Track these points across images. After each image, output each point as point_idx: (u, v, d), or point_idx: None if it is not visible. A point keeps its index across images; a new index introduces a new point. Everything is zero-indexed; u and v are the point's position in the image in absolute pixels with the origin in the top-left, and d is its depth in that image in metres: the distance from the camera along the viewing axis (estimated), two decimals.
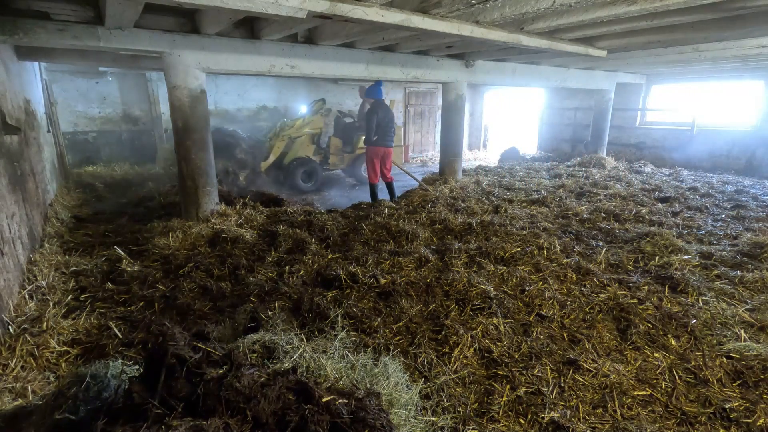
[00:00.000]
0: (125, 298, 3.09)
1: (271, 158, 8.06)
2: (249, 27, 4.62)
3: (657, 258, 3.72)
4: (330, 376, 1.99)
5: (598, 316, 2.78)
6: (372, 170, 6.15)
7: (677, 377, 2.28)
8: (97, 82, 8.89)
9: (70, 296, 3.07)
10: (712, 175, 8.49)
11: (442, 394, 2.09)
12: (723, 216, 5.29)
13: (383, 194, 6.53)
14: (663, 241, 3.97)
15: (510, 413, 2.04)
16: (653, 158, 10.13)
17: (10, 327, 2.53)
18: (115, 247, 3.92)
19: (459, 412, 2.00)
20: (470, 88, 13.62)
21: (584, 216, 5.15)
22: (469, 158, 13.29)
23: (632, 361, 2.41)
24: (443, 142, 7.55)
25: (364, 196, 6.76)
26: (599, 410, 2.05)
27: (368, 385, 1.96)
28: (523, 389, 2.15)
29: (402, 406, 1.92)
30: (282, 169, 8.19)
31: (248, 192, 6.05)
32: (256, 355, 2.12)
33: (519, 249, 3.75)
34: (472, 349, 2.43)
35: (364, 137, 6.14)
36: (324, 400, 1.55)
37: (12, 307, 2.68)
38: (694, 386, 2.23)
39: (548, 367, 2.30)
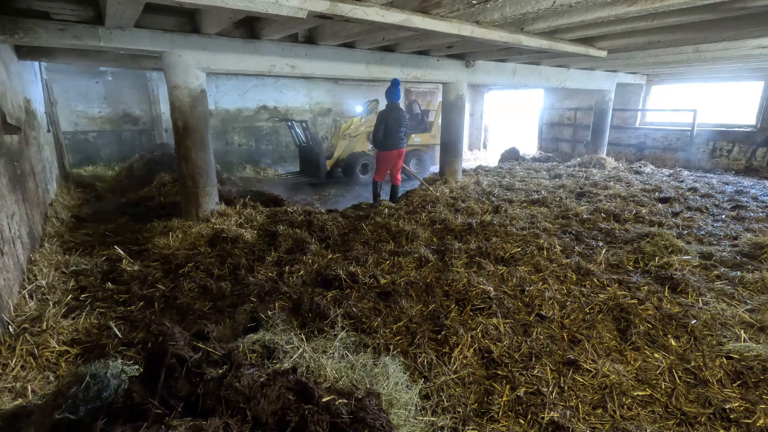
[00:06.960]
0: (125, 298, 3.09)
1: (336, 155, 8.83)
2: (249, 27, 4.62)
3: (657, 258, 3.72)
4: (330, 376, 1.99)
5: (598, 317, 2.78)
6: (382, 170, 6.27)
7: (677, 377, 2.28)
8: (97, 82, 8.89)
9: (70, 296, 3.06)
10: (712, 175, 8.47)
11: (441, 394, 2.09)
12: (723, 216, 5.29)
13: (384, 194, 6.55)
14: (663, 242, 3.97)
15: (510, 413, 2.04)
16: (653, 158, 10.12)
17: (10, 326, 2.53)
18: (115, 246, 3.92)
19: (459, 412, 2.00)
20: (470, 89, 13.62)
21: (584, 216, 5.15)
22: (469, 158, 13.29)
23: (632, 362, 2.41)
24: (443, 143, 7.56)
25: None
26: (599, 410, 2.05)
27: (368, 385, 1.96)
28: (523, 389, 2.15)
29: (402, 406, 1.92)
30: (339, 164, 8.99)
31: (248, 192, 6.05)
32: (256, 355, 2.13)
33: (519, 249, 3.75)
34: (472, 350, 2.43)
35: (372, 140, 6.23)
36: (324, 400, 1.55)
37: (12, 307, 2.68)
38: (694, 386, 2.23)
39: (548, 368, 2.30)
